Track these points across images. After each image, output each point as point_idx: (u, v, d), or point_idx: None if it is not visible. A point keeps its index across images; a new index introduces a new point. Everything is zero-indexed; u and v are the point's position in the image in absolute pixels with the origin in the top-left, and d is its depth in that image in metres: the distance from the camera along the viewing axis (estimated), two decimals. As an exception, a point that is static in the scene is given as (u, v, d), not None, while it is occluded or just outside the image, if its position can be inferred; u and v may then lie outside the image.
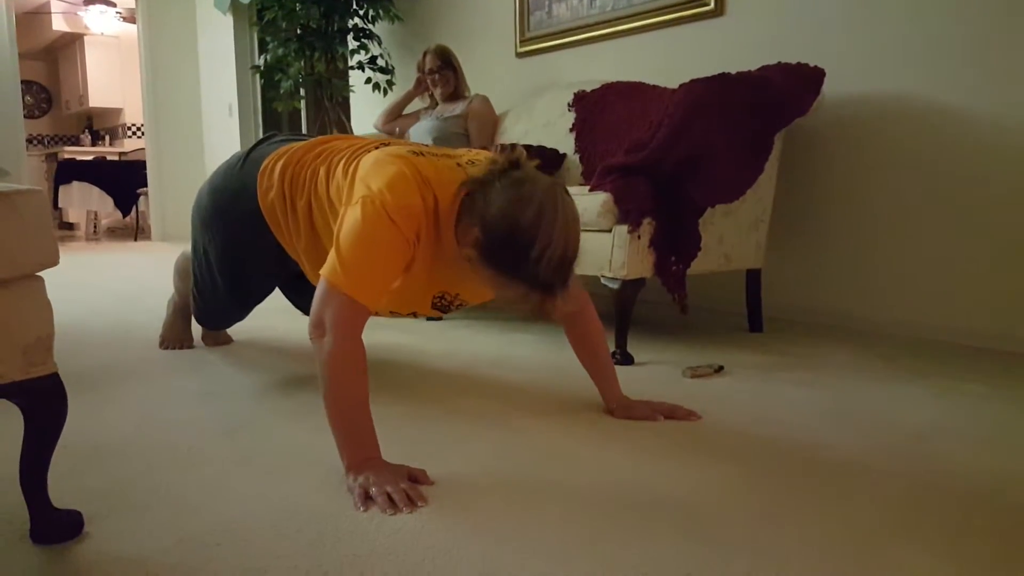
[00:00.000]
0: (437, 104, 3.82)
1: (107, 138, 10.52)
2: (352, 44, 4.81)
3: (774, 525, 1.16)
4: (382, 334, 2.62)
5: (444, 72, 3.72)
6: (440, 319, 1.79)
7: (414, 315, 1.74)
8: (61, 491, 1.29)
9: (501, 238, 1.33)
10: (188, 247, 2.30)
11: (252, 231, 1.83)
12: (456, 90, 3.77)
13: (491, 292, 1.73)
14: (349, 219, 1.42)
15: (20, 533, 1.13)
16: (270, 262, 1.90)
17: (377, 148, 1.63)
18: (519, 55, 4.02)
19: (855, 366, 2.19)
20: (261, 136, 2.41)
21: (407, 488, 1.26)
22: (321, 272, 1.39)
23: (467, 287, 1.64)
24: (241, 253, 1.90)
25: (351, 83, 5.11)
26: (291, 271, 1.95)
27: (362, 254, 1.38)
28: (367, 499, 1.24)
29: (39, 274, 1.06)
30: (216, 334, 2.51)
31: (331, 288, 1.36)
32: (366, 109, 5.11)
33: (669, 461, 1.43)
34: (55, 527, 1.11)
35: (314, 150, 1.78)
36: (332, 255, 1.40)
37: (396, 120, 3.97)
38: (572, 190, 2.36)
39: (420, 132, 3.72)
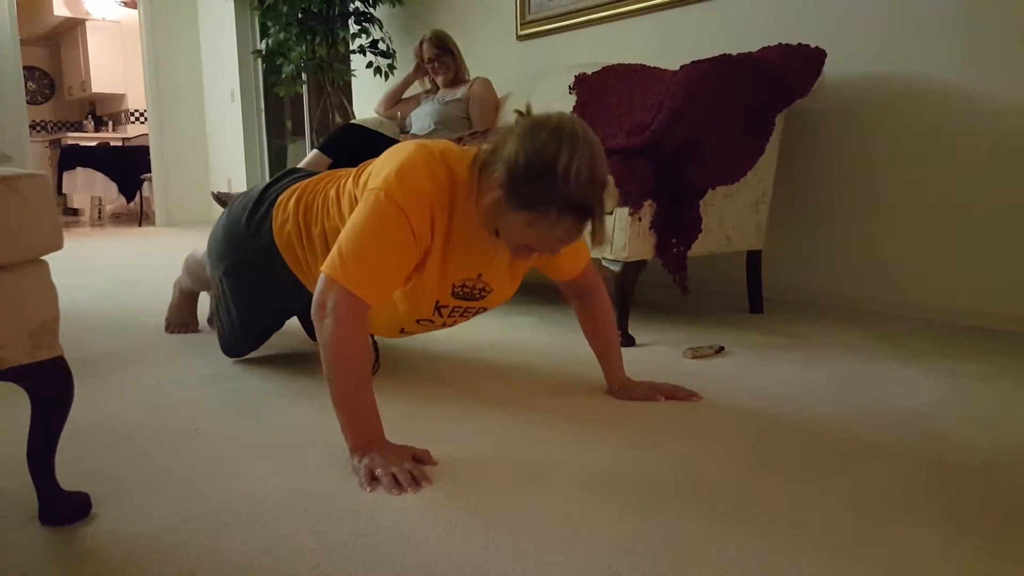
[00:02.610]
0: (438, 88, 3.81)
1: (110, 124, 10.51)
2: (353, 28, 4.79)
3: (773, 503, 1.18)
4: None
5: (443, 59, 3.71)
6: (466, 317, 1.72)
7: (439, 314, 1.66)
8: (68, 473, 1.30)
9: (524, 166, 1.31)
10: (198, 248, 2.30)
11: (266, 268, 1.79)
12: (457, 75, 3.76)
13: (516, 277, 1.69)
14: (356, 212, 1.41)
15: (29, 514, 1.15)
16: (284, 297, 1.86)
17: None
18: (520, 38, 4.01)
19: (855, 346, 2.19)
20: (275, 164, 2.41)
21: (411, 468, 1.27)
22: (322, 267, 1.38)
23: (490, 268, 1.59)
24: (255, 289, 1.86)
25: (352, 67, 5.10)
26: (304, 305, 1.89)
27: (364, 246, 1.36)
28: (372, 479, 1.25)
29: (43, 258, 1.07)
30: None
31: (330, 281, 1.36)
32: (368, 93, 5.10)
33: (669, 441, 1.45)
34: (63, 508, 1.13)
35: (325, 179, 1.76)
36: (335, 248, 1.39)
37: (397, 104, 3.96)
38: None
39: (421, 116, 3.71)
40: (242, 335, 1.95)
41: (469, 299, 1.64)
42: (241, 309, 1.89)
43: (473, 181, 1.44)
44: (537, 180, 1.31)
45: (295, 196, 1.76)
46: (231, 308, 1.91)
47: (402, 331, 1.73)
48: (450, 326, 1.75)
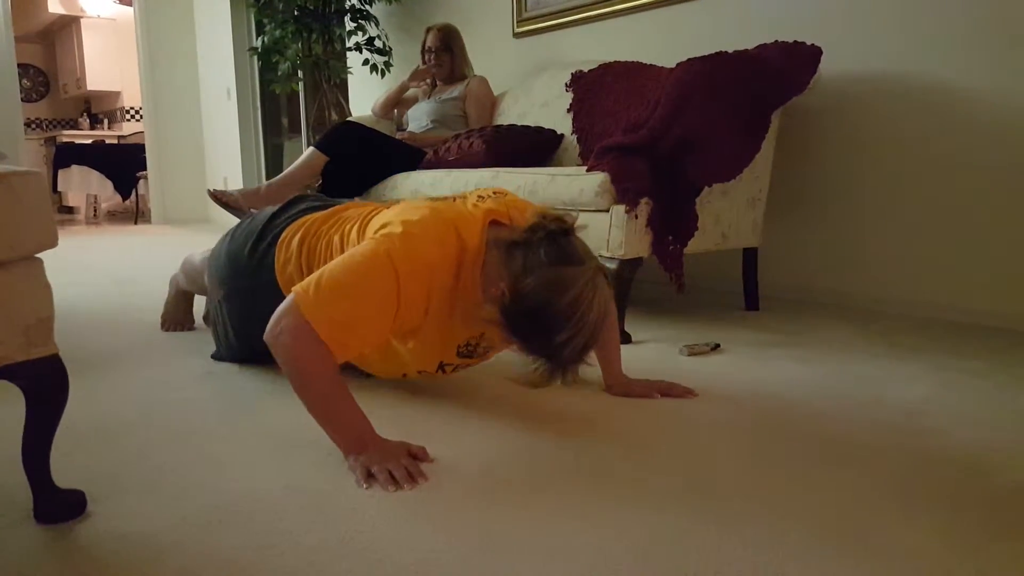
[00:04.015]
0: (435, 86, 3.81)
1: (106, 121, 10.49)
2: (349, 25, 4.79)
3: (770, 500, 1.18)
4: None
5: (441, 55, 3.71)
6: (467, 367, 1.68)
7: (442, 371, 1.62)
8: (64, 471, 1.30)
9: (529, 312, 1.29)
10: (196, 252, 2.28)
11: (266, 300, 1.69)
12: (453, 73, 3.75)
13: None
14: (352, 251, 1.37)
15: (24, 513, 1.15)
16: None
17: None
18: (516, 35, 4.01)
19: (851, 343, 2.20)
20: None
21: (407, 464, 1.27)
22: (295, 287, 1.33)
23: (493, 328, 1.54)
24: (254, 315, 1.77)
25: (349, 65, 5.09)
26: None
27: (344, 290, 1.31)
28: (369, 476, 1.25)
29: (38, 256, 1.06)
30: None
31: (294, 306, 1.30)
32: (364, 91, 5.09)
33: (666, 438, 1.45)
34: (58, 507, 1.13)
35: (330, 220, 1.72)
36: (315, 275, 1.34)
37: (395, 106, 3.97)
38: (570, 171, 2.37)
39: (418, 114, 3.71)
40: (239, 353, 1.95)
41: (472, 356, 1.61)
42: (239, 331, 1.89)
43: (482, 251, 1.40)
44: (534, 332, 1.31)
45: (299, 235, 1.72)
46: (228, 329, 1.91)
47: (404, 375, 1.71)
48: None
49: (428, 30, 3.76)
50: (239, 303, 1.85)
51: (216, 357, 2.05)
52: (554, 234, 1.34)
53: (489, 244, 1.42)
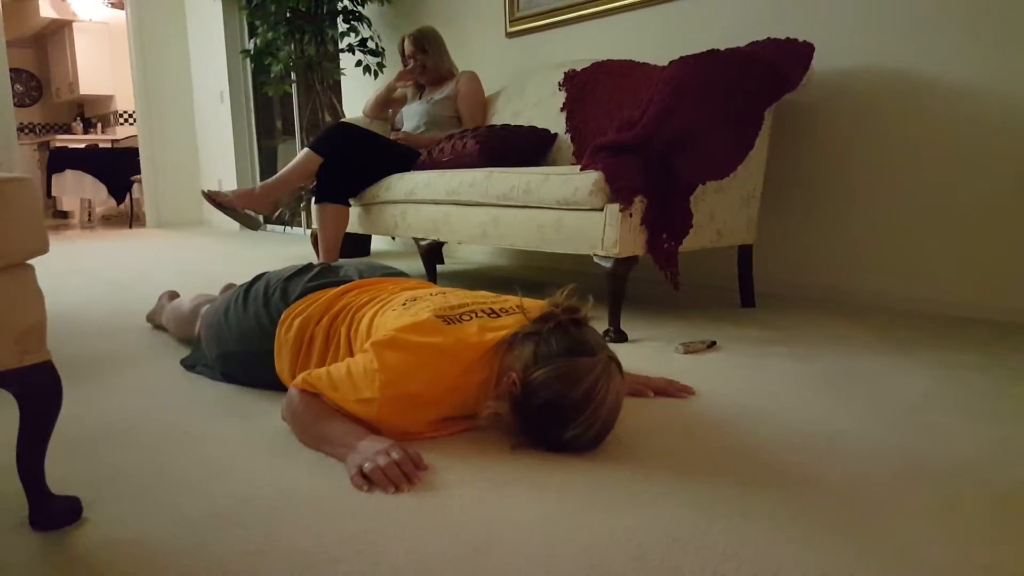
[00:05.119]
0: (424, 88, 3.81)
1: (99, 125, 10.46)
2: (342, 26, 4.78)
3: (766, 497, 1.18)
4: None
5: (418, 59, 3.70)
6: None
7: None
8: (59, 477, 1.30)
9: (540, 406, 1.30)
10: (185, 299, 2.28)
11: (262, 368, 1.73)
12: (439, 73, 3.74)
13: None
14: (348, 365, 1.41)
15: (19, 519, 1.14)
16: (273, 382, 1.78)
17: (404, 291, 1.61)
18: (509, 35, 4.00)
19: (848, 339, 2.20)
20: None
21: (401, 461, 1.25)
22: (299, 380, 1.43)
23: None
24: (245, 376, 1.83)
25: (342, 66, 5.09)
26: None
27: (333, 380, 1.40)
28: (363, 477, 1.24)
29: (29, 262, 1.06)
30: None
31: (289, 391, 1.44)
32: (357, 92, 5.09)
33: (662, 436, 1.45)
34: (53, 513, 1.12)
35: (333, 308, 1.66)
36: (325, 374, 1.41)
37: (386, 106, 3.96)
38: (564, 170, 2.37)
39: (411, 114, 3.71)
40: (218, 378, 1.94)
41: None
42: (226, 375, 1.88)
43: (492, 379, 1.39)
44: (545, 426, 1.32)
45: (299, 321, 1.66)
46: (214, 372, 1.90)
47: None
48: None
49: (403, 39, 3.75)
50: (232, 363, 1.83)
51: (188, 366, 2.02)
52: (565, 324, 1.33)
53: (504, 364, 1.39)
